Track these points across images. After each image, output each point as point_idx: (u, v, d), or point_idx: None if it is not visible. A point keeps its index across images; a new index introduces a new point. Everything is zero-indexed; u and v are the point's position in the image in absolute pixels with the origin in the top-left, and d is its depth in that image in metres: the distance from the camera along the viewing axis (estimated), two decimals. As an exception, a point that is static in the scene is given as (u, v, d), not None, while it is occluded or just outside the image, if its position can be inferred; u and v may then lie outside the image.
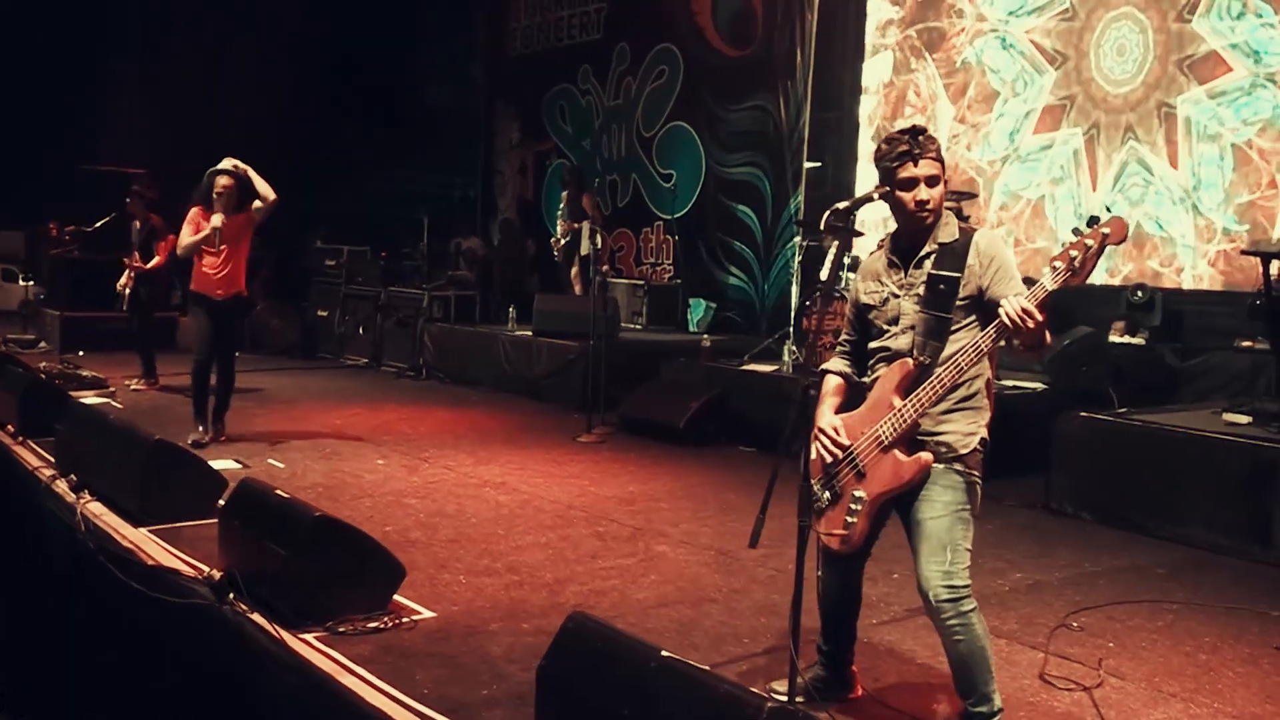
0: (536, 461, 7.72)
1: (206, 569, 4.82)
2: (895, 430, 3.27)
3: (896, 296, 3.39)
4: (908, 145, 3.30)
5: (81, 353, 11.26)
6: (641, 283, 12.70)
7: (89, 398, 8.98)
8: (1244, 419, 6.57)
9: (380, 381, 11.74)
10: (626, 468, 7.65)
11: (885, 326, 3.42)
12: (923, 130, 3.36)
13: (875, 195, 3.33)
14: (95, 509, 5.79)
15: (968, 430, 3.31)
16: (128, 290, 9.88)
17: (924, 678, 4.10)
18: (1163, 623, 4.78)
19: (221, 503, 5.30)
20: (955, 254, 3.30)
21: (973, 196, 9.19)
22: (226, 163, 7.64)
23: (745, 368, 9.08)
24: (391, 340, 12.43)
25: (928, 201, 3.31)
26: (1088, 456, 6.67)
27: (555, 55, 15.25)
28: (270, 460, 7.27)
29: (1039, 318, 3.02)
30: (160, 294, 10.26)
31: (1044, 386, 8.17)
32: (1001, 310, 3.06)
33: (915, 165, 3.29)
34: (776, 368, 8.93)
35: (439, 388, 11.34)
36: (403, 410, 9.70)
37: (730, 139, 12.80)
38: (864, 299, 3.49)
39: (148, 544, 5.29)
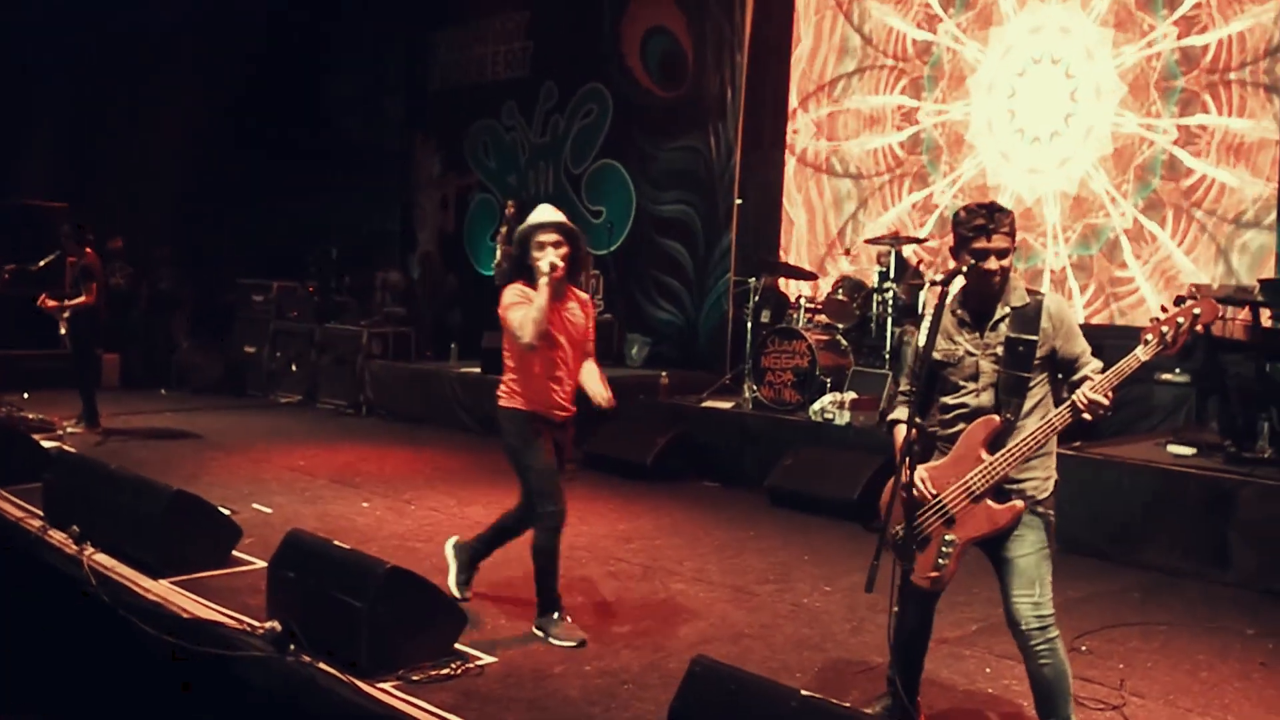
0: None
1: (251, 621, 4.90)
2: (986, 481, 3.58)
3: (973, 355, 3.70)
4: (984, 220, 3.63)
5: (27, 394, 10.95)
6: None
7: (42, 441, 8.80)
8: (1189, 450, 7.10)
9: (321, 420, 11.70)
10: (608, 505, 7.85)
11: (963, 383, 3.72)
12: (1000, 208, 3.69)
13: (963, 269, 3.63)
14: (104, 561, 5.78)
15: (1045, 476, 3.66)
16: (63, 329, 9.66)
17: (972, 703, 4.41)
18: (1157, 644, 5.19)
19: (234, 551, 5.37)
20: (1029, 318, 3.64)
21: (920, 241, 9.65)
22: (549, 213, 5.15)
23: (706, 404, 9.35)
24: (326, 377, 12.38)
25: (996, 272, 3.63)
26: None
27: (479, 91, 15.36)
28: (255, 505, 7.28)
29: (1107, 405, 3.43)
30: (98, 331, 10.03)
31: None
32: (1076, 399, 3.45)
33: (989, 240, 3.62)
34: (735, 404, 9.24)
35: (385, 426, 11.35)
36: (361, 450, 9.72)
37: (661, 177, 13.10)
38: (937, 355, 3.77)
39: (175, 596, 5.31)
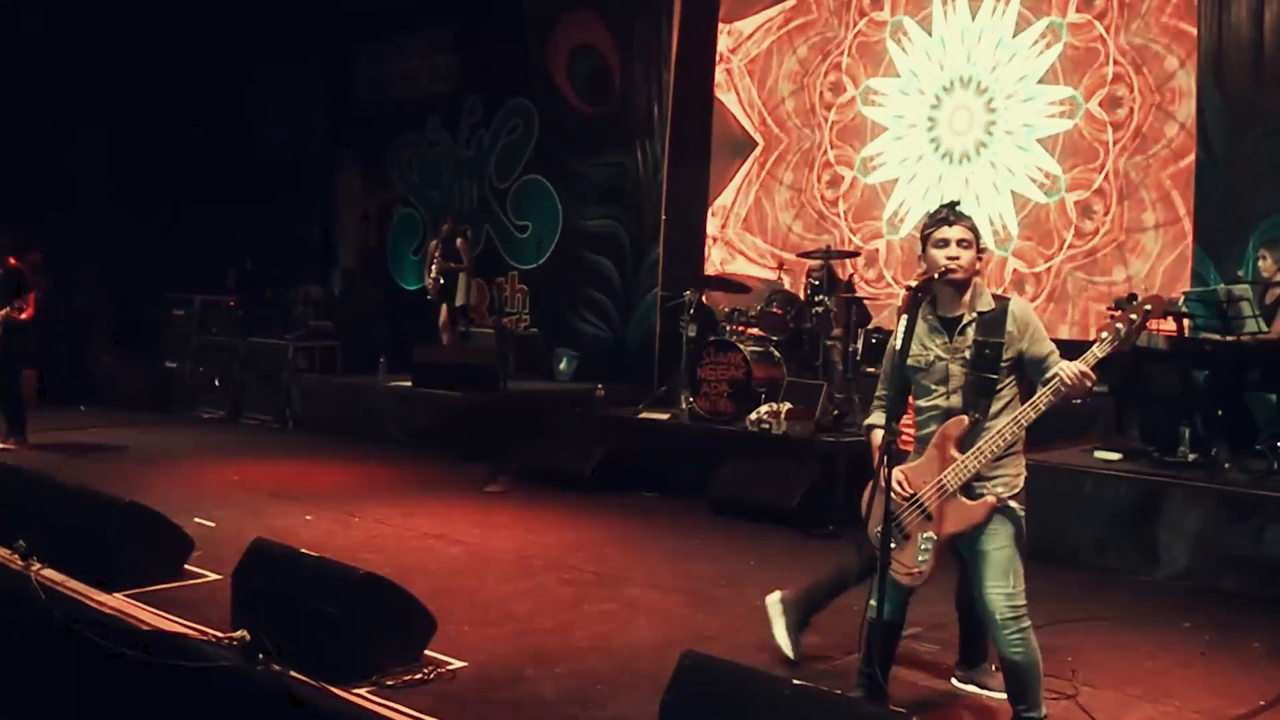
0: (460, 513, 7.87)
1: (214, 632, 4.87)
2: (959, 479, 3.73)
3: (943, 359, 3.85)
4: (945, 214, 3.83)
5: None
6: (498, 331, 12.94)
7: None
8: (1116, 455, 7.40)
9: (247, 435, 11.55)
10: (552, 515, 7.89)
11: (934, 386, 3.87)
12: (958, 206, 3.87)
13: (935, 274, 3.78)
14: (53, 576, 5.67)
15: (1016, 473, 3.82)
16: None
17: (934, 695, 4.57)
18: (1101, 638, 5.40)
19: (187, 562, 5.31)
20: (995, 322, 3.80)
21: (855, 255, 9.89)
22: None
23: (643, 415, 9.45)
24: (251, 392, 12.23)
25: (958, 257, 3.79)
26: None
27: (402, 105, 15.31)
28: (197, 519, 7.17)
29: (1094, 378, 3.56)
30: (30, 346, 9.82)
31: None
32: (1060, 372, 3.57)
33: (950, 228, 3.79)
34: (672, 415, 9.36)
35: (314, 440, 11.22)
36: (295, 464, 9.64)
37: (589, 192, 13.21)
38: (910, 361, 3.92)
39: (132, 609, 5.24)
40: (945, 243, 3.80)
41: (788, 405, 8.50)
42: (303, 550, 4.82)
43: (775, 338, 9.14)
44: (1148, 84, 9.07)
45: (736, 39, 12.03)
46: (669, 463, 8.88)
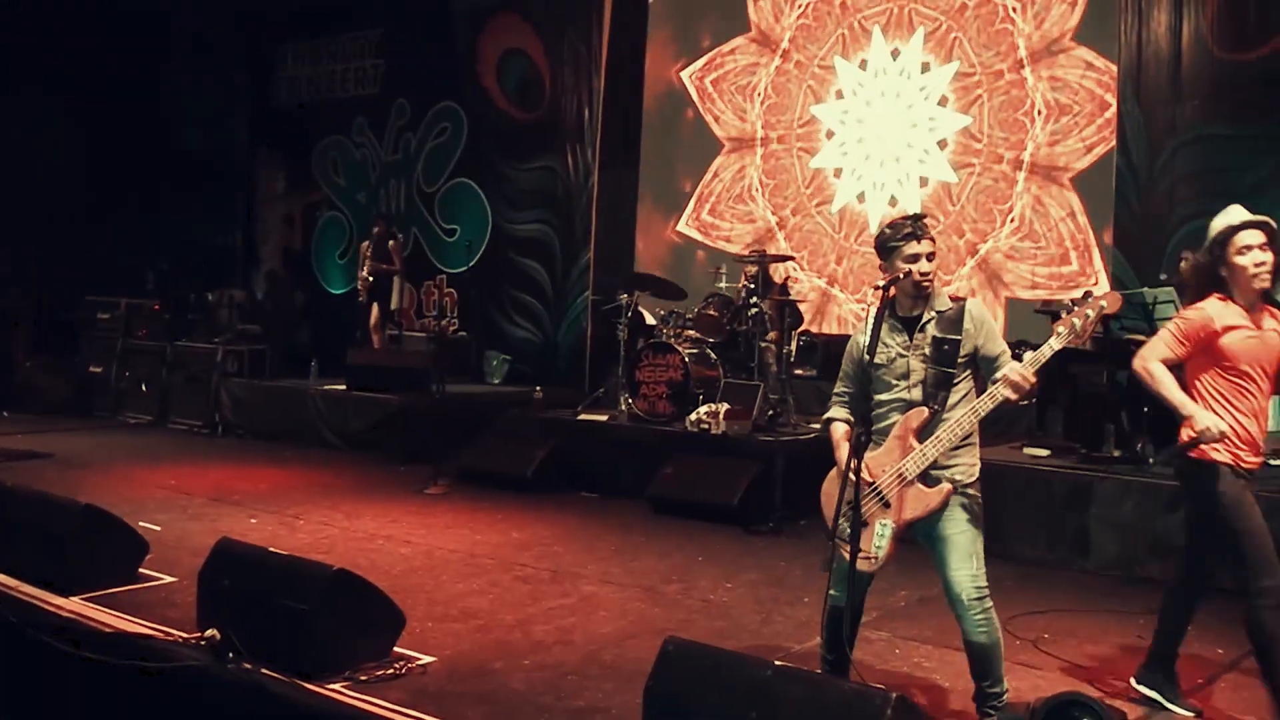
0: (405, 514, 7.89)
1: (178, 632, 4.87)
2: (918, 467, 3.91)
3: (904, 355, 4.02)
4: (910, 228, 3.99)
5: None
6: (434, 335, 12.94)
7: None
8: (1044, 452, 7.69)
9: (177, 439, 11.38)
10: (495, 516, 7.94)
11: (895, 381, 4.04)
12: (922, 216, 4.06)
13: (899, 276, 3.95)
14: (3, 580, 5.60)
15: (972, 462, 4.02)
16: None
17: (891, 681, 4.73)
18: (1040, 626, 5.63)
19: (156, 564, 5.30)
20: (953, 320, 3.99)
21: (789, 259, 10.09)
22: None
23: (582, 417, 9.55)
24: (178, 396, 12.07)
25: (928, 273, 3.98)
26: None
27: (327, 107, 15.18)
28: (142, 523, 7.08)
29: (1034, 381, 3.79)
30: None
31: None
32: (1007, 374, 3.79)
33: (919, 243, 3.97)
34: (610, 416, 9.47)
35: (245, 445, 11.12)
36: (230, 468, 9.54)
37: (518, 197, 13.24)
38: (871, 357, 4.07)
39: (92, 613, 5.21)
40: (916, 257, 3.96)
41: (726, 406, 8.67)
42: (271, 549, 4.83)
43: (712, 339, 9.29)
44: (1069, 97, 9.45)
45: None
46: (609, 463, 8.99)
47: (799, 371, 9.90)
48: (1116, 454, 7.34)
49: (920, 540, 4.05)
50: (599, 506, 8.53)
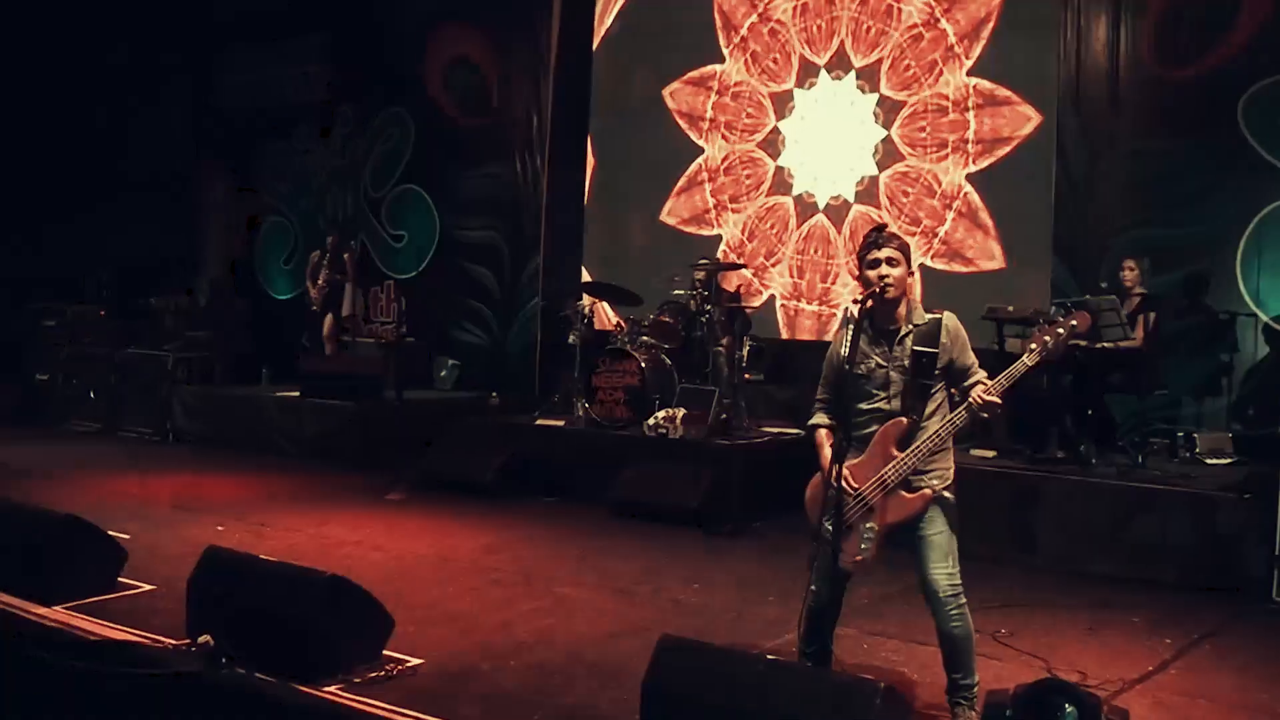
0: (370, 520, 7.99)
1: (166, 639, 4.96)
2: (899, 474, 4.14)
3: (884, 367, 4.25)
4: (874, 237, 4.25)
5: None
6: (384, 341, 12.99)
7: None
8: (991, 453, 8.00)
9: (129, 448, 11.30)
10: (459, 521, 8.07)
11: (875, 391, 4.26)
12: (886, 227, 4.32)
13: (875, 290, 4.17)
14: (-20, 591, 5.63)
15: (946, 468, 4.25)
16: None
17: (862, 674, 4.96)
18: (995, 620, 5.86)
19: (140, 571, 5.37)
20: (930, 334, 4.23)
21: (740, 267, 10.34)
22: None
23: (540, 422, 9.70)
24: (128, 404, 12.02)
25: (888, 276, 4.20)
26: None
27: (272, 112, 15.12)
28: (111, 532, 7.10)
29: (999, 403, 4.05)
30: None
31: (803, 433, 9.35)
32: (974, 396, 4.06)
33: (879, 250, 4.21)
34: (567, 421, 9.63)
35: (199, 452, 11.06)
36: (188, 476, 9.55)
37: (467, 203, 13.33)
38: (851, 368, 4.30)
39: (78, 622, 5.25)
40: (877, 263, 4.20)
41: (683, 411, 8.87)
42: (261, 556, 4.94)
43: (667, 345, 9.50)
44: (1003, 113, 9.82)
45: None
46: (567, 468, 9.15)
47: (747, 376, 10.11)
48: (1060, 455, 7.67)
49: (908, 541, 4.27)
50: (558, 511, 8.68)
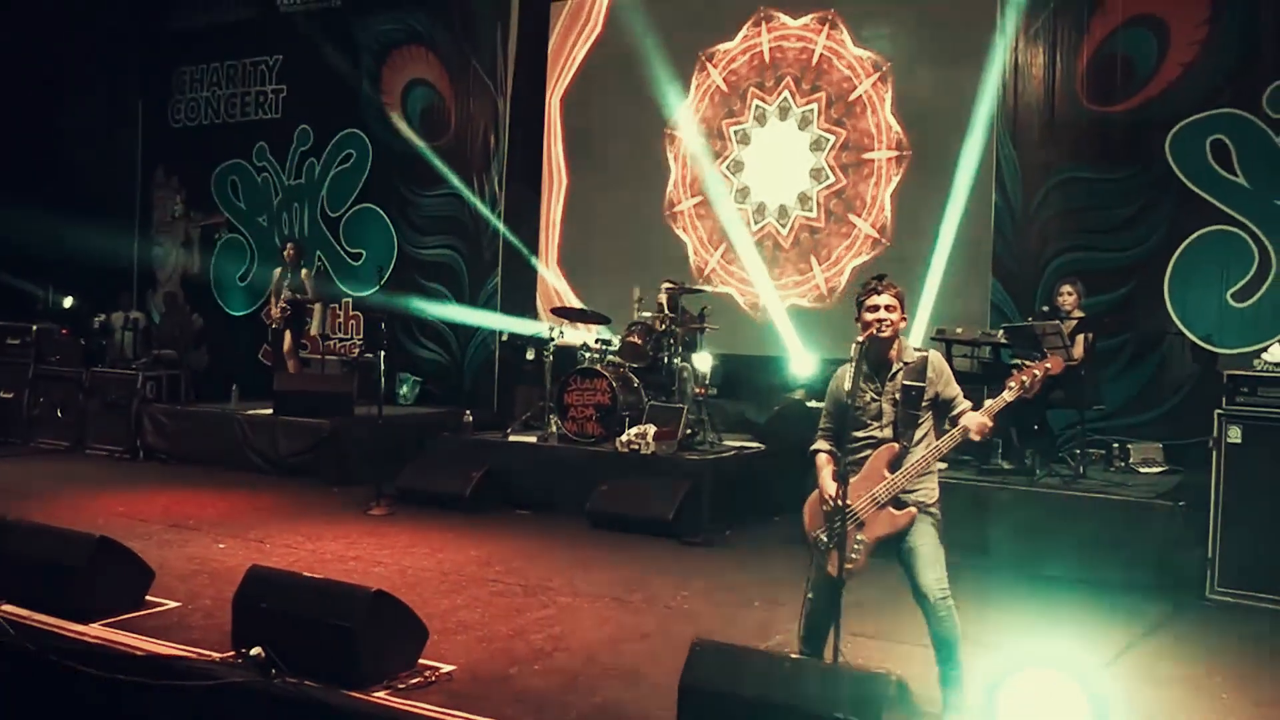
0: (362, 536, 8.34)
1: (209, 653, 5.33)
2: (889, 493, 4.71)
3: (877, 400, 4.82)
4: (874, 284, 4.82)
5: None
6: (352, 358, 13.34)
7: None
8: (942, 465, 8.57)
9: (101, 466, 11.50)
10: (446, 535, 8.46)
11: (869, 421, 4.83)
12: (885, 276, 4.87)
13: (873, 331, 4.73)
14: (17, 611, 5.92)
15: (932, 487, 4.85)
16: None
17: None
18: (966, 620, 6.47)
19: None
20: (918, 370, 4.80)
21: (701, 291, 10.86)
22: None
23: (512, 438, 10.15)
24: (96, 422, 12.20)
25: (885, 320, 4.77)
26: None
27: (227, 130, 15.35)
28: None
29: (991, 425, 4.63)
30: None
31: (763, 446, 9.93)
32: (966, 423, 4.61)
33: (877, 296, 4.78)
34: (540, 437, 10.09)
35: (172, 470, 11.28)
36: (170, 495, 9.78)
37: (424, 223, 13.73)
38: (852, 401, 4.84)
39: (120, 638, 5.54)
40: (876, 308, 4.78)
41: (653, 427, 9.38)
42: (304, 574, 5.34)
43: (635, 364, 10.00)
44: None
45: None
46: (542, 482, 9.61)
47: (699, 391, 10.55)
48: (1007, 466, 8.32)
49: (891, 553, 4.83)
50: (536, 524, 9.12)
